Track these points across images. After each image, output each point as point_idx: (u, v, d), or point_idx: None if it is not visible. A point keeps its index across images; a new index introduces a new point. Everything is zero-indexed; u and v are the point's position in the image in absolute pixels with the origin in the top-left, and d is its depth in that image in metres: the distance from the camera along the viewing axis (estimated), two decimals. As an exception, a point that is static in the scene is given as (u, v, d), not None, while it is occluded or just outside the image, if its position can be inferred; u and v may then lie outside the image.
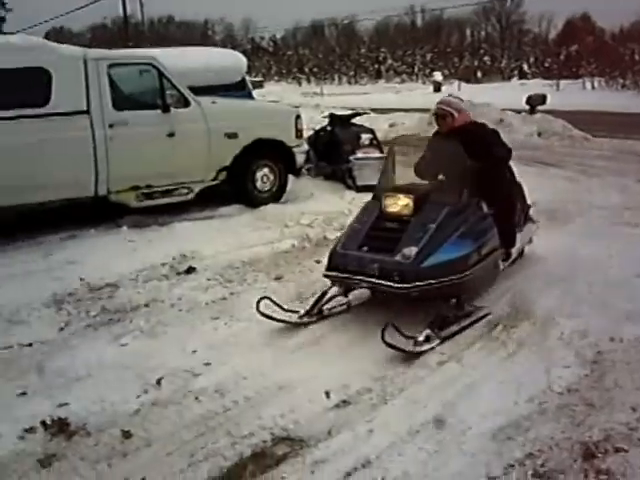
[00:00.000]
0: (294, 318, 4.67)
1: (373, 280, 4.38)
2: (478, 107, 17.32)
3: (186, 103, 7.70)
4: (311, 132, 10.80)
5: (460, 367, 4.06)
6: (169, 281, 5.67)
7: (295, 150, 8.60)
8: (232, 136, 7.96)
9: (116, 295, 5.34)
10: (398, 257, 4.36)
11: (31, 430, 3.45)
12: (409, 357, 4.10)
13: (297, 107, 9.91)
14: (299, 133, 8.69)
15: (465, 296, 4.68)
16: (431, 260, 4.37)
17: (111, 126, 7.13)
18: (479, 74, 53.43)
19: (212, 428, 3.46)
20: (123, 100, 7.40)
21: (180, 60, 9.43)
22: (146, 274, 5.79)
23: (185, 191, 7.83)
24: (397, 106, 22.10)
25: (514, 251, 5.33)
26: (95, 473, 3.13)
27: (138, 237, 6.88)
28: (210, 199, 8.11)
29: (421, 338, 4.22)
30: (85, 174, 7.04)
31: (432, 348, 4.22)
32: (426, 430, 3.40)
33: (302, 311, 4.73)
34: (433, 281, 4.33)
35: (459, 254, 4.49)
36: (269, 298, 4.67)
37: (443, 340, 4.32)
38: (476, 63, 55.30)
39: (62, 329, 4.70)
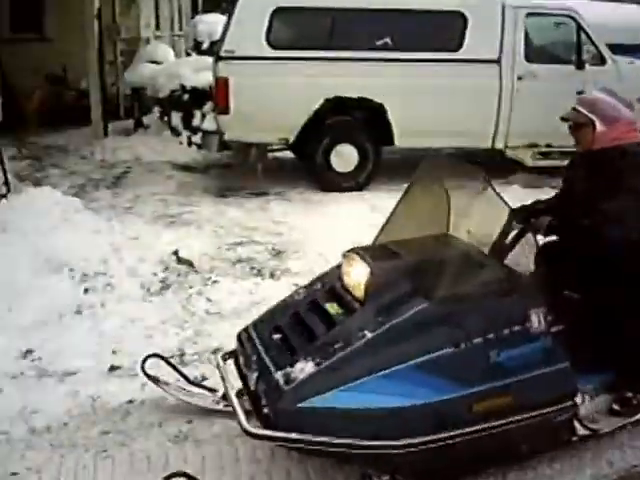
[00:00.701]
0: (205, 400, 3.14)
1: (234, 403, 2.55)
2: None
3: (602, 61, 7.12)
4: None
5: None
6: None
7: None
8: (646, 101, 7.15)
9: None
10: (280, 374, 2.40)
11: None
12: None
13: None
14: None
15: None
16: (325, 399, 2.29)
17: (520, 78, 6.88)
18: None
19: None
20: (535, 52, 7.11)
21: (598, 14, 8.73)
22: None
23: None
24: None
25: None
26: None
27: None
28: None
29: None
30: (486, 125, 6.91)
31: None
32: None
33: (220, 392, 3.03)
34: (315, 439, 2.28)
35: (398, 402, 2.30)
36: (161, 357, 3.21)
37: None
38: None
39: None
